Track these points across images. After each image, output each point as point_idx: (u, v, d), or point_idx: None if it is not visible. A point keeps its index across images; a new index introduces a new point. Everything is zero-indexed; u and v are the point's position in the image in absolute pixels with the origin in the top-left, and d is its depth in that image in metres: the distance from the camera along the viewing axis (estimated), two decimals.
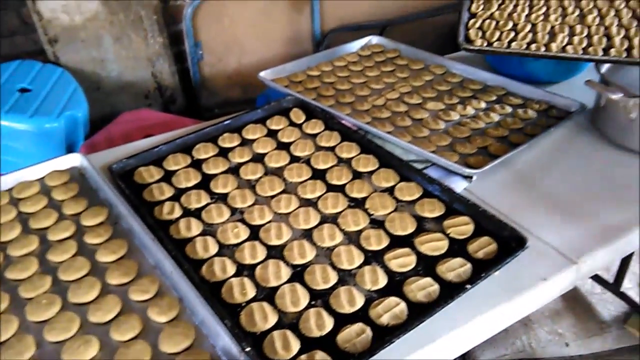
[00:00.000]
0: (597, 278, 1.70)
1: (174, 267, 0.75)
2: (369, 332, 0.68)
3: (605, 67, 1.08)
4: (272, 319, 0.70)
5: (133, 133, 1.30)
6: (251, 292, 0.74)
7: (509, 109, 1.16)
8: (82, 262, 0.80)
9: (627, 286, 1.73)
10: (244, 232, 0.85)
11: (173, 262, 0.76)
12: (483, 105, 1.19)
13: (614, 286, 1.68)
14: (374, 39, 1.52)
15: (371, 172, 0.98)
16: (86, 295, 0.74)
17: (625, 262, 1.64)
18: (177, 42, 1.79)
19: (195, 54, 1.74)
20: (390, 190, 0.93)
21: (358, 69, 1.37)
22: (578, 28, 1.17)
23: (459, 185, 0.94)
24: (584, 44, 1.11)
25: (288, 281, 0.76)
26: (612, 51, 1.07)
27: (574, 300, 1.70)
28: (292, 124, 1.14)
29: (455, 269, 0.76)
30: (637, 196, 0.91)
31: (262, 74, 1.29)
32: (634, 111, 0.96)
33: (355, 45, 1.49)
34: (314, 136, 1.10)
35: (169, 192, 0.95)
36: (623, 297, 1.67)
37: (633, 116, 0.97)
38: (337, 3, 1.90)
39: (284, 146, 1.07)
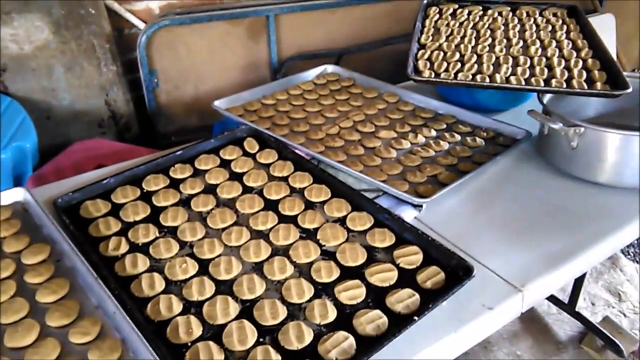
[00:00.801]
0: (552, 299, 1.74)
1: (117, 306, 0.73)
2: None
3: (547, 97, 1.12)
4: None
5: (84, 163, 1.27)
6: (197, 330, 0.73)
7: (458, 137, 1.19)
8: (21, 303, 0.76)
9: (582, 306, 1.78)
10: (192, 267, 0.84)
11: (116, 302, 0.73)
12: (433, 133, 1.21)
13: (569, 306, 1.72)
14: (330, 68, 1.54)
15: (323, 202, 0.98)
16: (24, 339, 0.71)
17: (578, 282, 1.69)
18: (132, 70, 1.77)
19: (151, 82, 1.72)
20: (342, 221, 0.94)
21: (313, 98, 1.38)
22: (521, 59, 1.22)
23: (409, 214, 0.95)
24: (527, 75, 1.15)
25: (237, 317, 0.75)
26: (553, 81, 1.11)
27: (531, 322, 1.73)
28: (245, 153, 1.14)
29: (404, 300, 0.76)
30: (580, 222, 0.94)
31: (217, 103, 1.29)
32: (575, 139, 1.00)
33: (311, 73, 1.51)
34: (267, 166, 1.09)
35: (115, 226, 0.92)
36: (578, 317, 1.71)
37: (574, 144, 1.01)
38: (294, 32, 1.93)
39: (236, 176, 1.06)
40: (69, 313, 0.74)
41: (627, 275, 1.95)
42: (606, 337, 1.64)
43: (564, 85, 1.10)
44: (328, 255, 0.86)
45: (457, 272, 0.80)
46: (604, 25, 2.21)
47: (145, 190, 1.02)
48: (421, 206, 0.96)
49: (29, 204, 0.97)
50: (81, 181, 1.04)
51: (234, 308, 0.76)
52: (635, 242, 2.08)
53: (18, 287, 0.80)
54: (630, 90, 1.04)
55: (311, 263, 0.85)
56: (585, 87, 1.09)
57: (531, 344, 1.63)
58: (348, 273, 0.82)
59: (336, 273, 0.82)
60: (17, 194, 0.99)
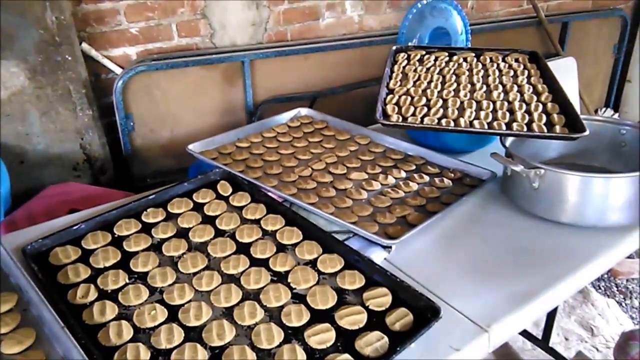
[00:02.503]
0: (526, 334, 1.75)
1: (83, 356, 0.72)
2: None
3: (509, 140, 1.17)
4: None
5: (57, 208, 1.26)
6: None
7: (426, 178, 1.22)
8: None
9: (556, 341, 1.79)
10: (161, 314, 0.83)
11: (82, 352, 0.72)
12: (403, 174, 1.25)
13: (542, 342, 1.74)
14: (303, 111, 1.58)
15: (295, 245, 0.99)
16: None
17: (551, 318, 1.71)
18: (108, 114, 1.79)
19: (127, 126, 1.74)
20: (312, 263, 0.95)
21: (286, 140, 1.41)
22: (484, 103, 1.27)
23: (379, 256, 0.97)
24: (490, 119, 1.20)
25: None
26: (515, 125, 1.16)
27: (506, 357, 1.74)
28: (218, 196, 1.15)
29: (372, 343, 0.77)
30: (544, 261, 0.96)
31: (191, 146, 1.31)
32: (536, 181, 1.04)
33: (285, 116, 1.54)
34: (240, 209, 1.11)
35: (85, 273, 0.92)
36: (552, 352, 1.72)
37: (536, 185, 1.05)
38: (269, 76, 1.98)
39: (209, 220, 1.07)
40: None
41: (598, 310, 1.98)
42: None
43: (525, 129, 1.15)
44: (299, 298, 0.87)
45: (425, 313, 0.82)
46: (566, 68, 2.31)
47: (116, 235, 1.02)
48: (390, 247, 0.98)
49: None
50: (53, 227, 1.04)
51: (203, 355, 0.76)
52: (605, 276, 2.13)
53: None
54: (587, 133, 1.09)
55: (282, 307, 0.85)
56: (545, 130, 1.14)
57: None
58: (318, 316, 0.83)
59: (306, 317, 0.83)
60: None
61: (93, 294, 0.87)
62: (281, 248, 0.99)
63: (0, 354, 0.76)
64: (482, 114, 1.22)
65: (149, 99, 1.77)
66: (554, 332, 1.70)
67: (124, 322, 0.81)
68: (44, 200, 1.34)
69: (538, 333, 1.74)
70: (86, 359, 0.71)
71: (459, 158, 1.28)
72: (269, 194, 1.14)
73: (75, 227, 1.02)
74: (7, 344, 0.76)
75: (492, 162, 1.18)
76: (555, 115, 1.20)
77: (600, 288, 2.09)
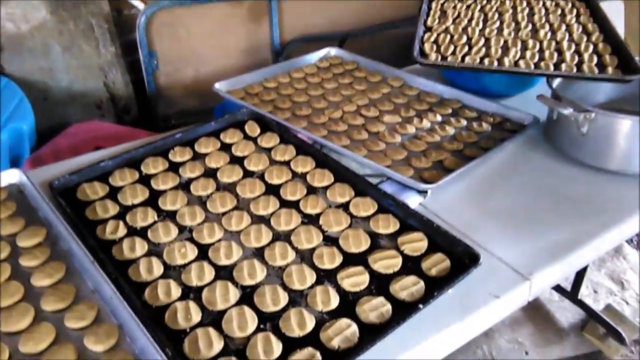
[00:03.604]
0: (555, 286, 1.72)
1: (114, 291, 0.71)
2: (318, 356, 0.65)
3: (556, 82, 1.09)
4: (217, 346, 0.67)
5: (82, 146, 1.25)
6: (196, 316, 0.71)
7: (464, 122, 1.16)
8: (16, 286, 0.75)
9: (584, 293, 1.76)
10: (191, 252, 0.82)
11: (113, 286, 0.72)
12: (439, 118, 1.19)
13: (571, 294, 1.71)
14: (333, 51, 1.51)
15: (326, 187, 0.96)
16: (18, 323, 0.69)
17: (581, 270, 1.67)
18: (131, 52, 1.74)
19: (150, 64, 1.69)
20: (345, 206, 0.91)
21: (316, 81, 1.35)
22: (530, 43, 1.19)
23: (414, 200, 0.93)
24: (536, 59, 1.12)
25: (237, 304, 0.73)
26: (563, 66, 1.09)
27: (533, 309, 1.72)
28: (246, 137, 1.12)
29: (408, 287, 0.74)
30: (589, 210, 0.91)
31: (217, 85, 1.26)
32: (585, 125, 0.98)
33: (314, 56, 1.48)
34: (268, 150, 1.07)
35: (113, 209, 0.90)
36: (580, 304, 1.69)
37: (584, 130, 0.98)
38: (296, 14, 1.89)
39: (237, 160, 1.04)
40: (65, 297, 0.73)
41: (630, 264, 1.94)
42: (608, 325, 1.63)
43: (574, 70, 1.07)
44: (330, 241, 0.84)
45: (463, 259, 0.78)
46: (613, 11, 2.16)
47: (143, 174, 1.00)
48: (426, 192, 0.94)
49: (25, 185, 0.95)
50: (78, 163, 1.02)
51: (234, 294, 0.74)
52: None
53: (13, 270, 0.78)
54: None
55: (313, 249, 0.82)
56: (597, 71, 1.06)
57: (532, 331, 1.62)
58: (351, 259, 0.80)
59: (339, 259, 0.80)
60: (12, 176, 0.97)
61: (122, 230, 0.85)
62: (312, 190, 0.96)
63: (31, 286, 0.75)
64: (528, 53, 1.14)
65: (173, 37, 1.71)
66: (582, 285, 1.67)
67: (154, 258, 0.79)
68: (69, 138, 1.32)
69: (566, 285, 1.71)
70: (117, 294, 0.70)
71: (499, 102, 1.21)
72: (299, 135, 1.10)
73: (102, 164, 1.00)
74: (37, 277, 0.76)
75: (534, 106, 1.12)
76: (607, 57, 1.11)
77: (632, 242, 2.04)
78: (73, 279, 0.76)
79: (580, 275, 1.66)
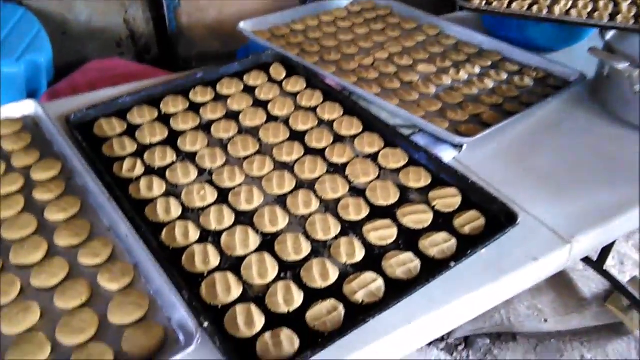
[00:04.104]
0: None
1: (130, 229, 0.68)
2: (341, 309, 0.62)
3: (610, 35, 1.00)
4: (236, 292, 0.64)
5: (100, 83, 1.20)
6: (214, 260, 0.68)
7: (504, 76, 1.08)
8: (29, 219, 0.72)
9: (610, 264, 1.71)
10: (211, 195, 0.78)
11: (129, 224, 0.68)
12: (477, 70, 1.11)
13: (597, 264, 1.66)
14: None
15: (354, 136, 0.90)
16: (30, 256, 0.66)
17: None
18: None
19: (172, 1, 1.61)
20: (373, 157, 0.86)
21: (346, 26, 1.27)
22: None
23: (447, 154, 0.87)
24: (589, 9, 1.03)
25: (256, 250, 0.70)
26: (619, 17, 0.99)
27: (555, 276, 1.67)
28: (271, 80, 1.06)
29: (438, 244, 0.70)
30: (637, 174, 0.85)
31: (242, 24, 1.19)
32: (638, 83, 0.90)
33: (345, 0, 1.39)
34: (294, 95, 1.01)
35: (131, 147, 0.86)
36: (606, 275, 1.64)
37: (637, 88, 0.90)
38: None
39: (261, 104, 0.98)
40: (79, 233, 0.70)
41: None
42: (633, 297, 1.58)
43: (632, 22, 0.97)
44: (357, 192, 0.80)
45: (499, 218, 0.73)
46: None
47: (163, 112, 0.95)
48: (461, 146, 0.88)
49: (40, 118, 0.91)
50: (95, 98, 0.98)
51: (254, 240, 0.71)
52: None
53: (26, 203, 0.75)
54: None
55: (338, 199, 0.78)
56: None
57: (553, 298, 1.58)
58: (378, 212, 0.76)
59: (365, 211, 0.76)
60: (28, 107, 0.93)
61: (140, 169, 0.82)
62: (338, 139, 0.90)
63: (44, 220, 0.72)
64: (580, 3, 1.05)
65: None
66: (609, 255, 1.61)
67: (172, 199, 0.76)
68: (88, 74, 1.28)
69: (592, 255, 1.65)
70: (133, 232, 0.67)
71: (542, 56, 1.12)
72: (327, 80, 1.03)
73: (120, 100, 0.95)
74: (51, 210, 0.73)
75: (579, 62, 1.03)
76: None
77: None
78: (88, 216, 0.73)
79: (608, 245, 1.60)
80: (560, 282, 1.65)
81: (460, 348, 1.48)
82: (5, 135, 0.87)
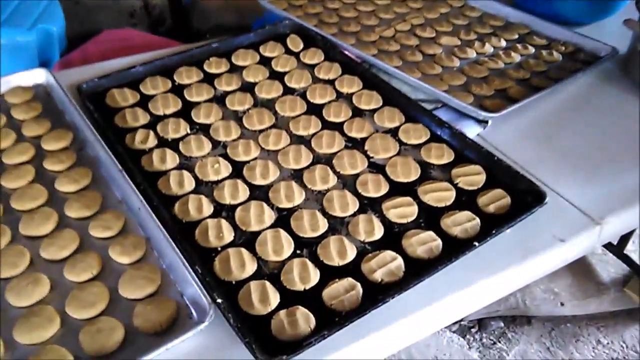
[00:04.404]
0: None
1: (142, 202, 0.66)
2: (359, 288, 0.59)
3: None
4: (250, 268, 0.62)
5: (112, 54, 1.17)
6: (229, 236, 0.65)
7: (531, 50, 1.04)
8: (39, 190, 0.70)
9: (630, 249, 1.66)
10: (225, 169, 0.75)
11: (141, 197, 0.66)
12: (503, 43, 1.06)
13: (616, 248, 1.61)
14: None
15: (373, 111, 0.87)
16: (40, 227, 0.65)
17: None
18: None
19: None
20: (393, 132, 0.83)
21: None
22: None
23: (471, 131, 0.83)
24: None
25: (272, 226, 0.67)
26: None
27: (573, 260, 1.64)
28: (288, 51, 1.02)
29: (461, 223, 0.67)
30: None
31: None
32: None
33: None
34: (311, 67, 0.98)
35: (143, 118, 0.84)
36: (626, 259, 1.60)
37: None
38: None
39: (277, 76, 0.95)
40: (90, 205, 0.68)
41: None
42: None
43: None
44: (376, 168, 0.77)
45: (525, 197, 0.70)
46: None
47: (176, 83, 0.93)
48: (486, 122, 0.84)
49: (52, 87, 0.89)
50: (108, 68, 0.95)
51: (269, 215, 0.68)
52: None
53: (36, 174, 0.73)
54: None
55: (357, 175, 0.75)
56: None
57: (570, 282, 1.55)
58: (398, 189, 0.73)
59: (385, 188, 0.73)
60: (39, 76, 0.91)
61: (152, 141, 0.79)
62: (358, 113, 0.87)
63: (55, 190, 0.71)
64: None
65: None
66: (629, 240, 1.57)
67: (185, 172, 0.73)
68: (101, 45, 1.25)
69: (612, 239, 1.61)
70: (146, 205, 0.65)
71: (572, 29, 1.07)
72: (346, 52, 0.99)
73: (133, 70, 0.93)
74: (62, 181, 0.71)
75: (610, 37, 0.98)
76: None
77: None
78: (99, 188, 0.72)
79: None
80: (578, 266, 1.61)
81: (473, 330, 1.46)
82: (16, 104, 0.85)
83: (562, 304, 1.50)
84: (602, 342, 1.43)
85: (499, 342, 1.43)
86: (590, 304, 1.51)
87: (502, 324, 1.47)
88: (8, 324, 0.55)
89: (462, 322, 1.47)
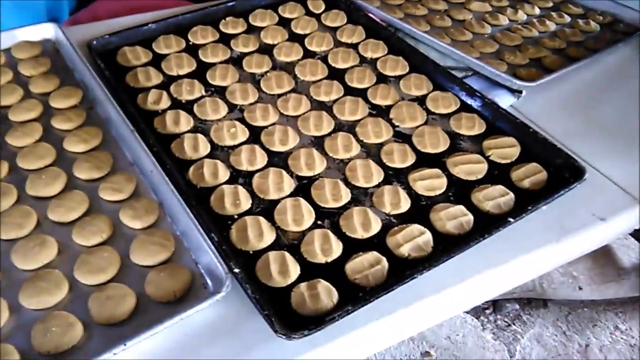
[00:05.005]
0: None
1: (155, 165, 0.62)
2: (384, 263, 0.55)
3: None
4: (269, 238, 0.58)
5: (123, 12, 1.12)
6: (246, 203, 0.61)
7: (567, 19, 0.98)
8: (47, 149, 0.66)
9: None
10: (242, 133, 0.71)
11: (154, 160, 0.62)
12: (537, 11, 1.00)
13: (638, 232, 1.56)
14: None
15: (399, 77, 0.82)
16: (47, 188, 0.61)
17: None
18: None
19: None
20: (421, 100, 0.78)
21: None
22: None
23: (503, 101, 0.78)
24: None
25: (291, 195, 0.63)
26: None
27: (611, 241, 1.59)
28: (308, 13, 0.97)
29: (494, 197, 0.62)
30: None
31: None
32: None
33: None
34: (333, 30, 0.92)
35: (156, 78, 0.79)
36: None
37: None
38: None
39: (297, 38, 0.90)
40: (100, 166, 0.64)
41: None
42: None
43: None
44: (402, 137, 0.72)
45: (563, 173, 0.65)
46: None
47: (191, 43, 0.88)
48: (521, 92, 0.79)
49: (61, 43, 0.84)
50: (119, 25, 0.90)
51: (289, 184, 0.64)
52: None
53: (44, 132, 0.69)
54: None
55: (381, 144, 0.71)
56: None
57: (590, 266, 1.51)
58: (425, 160, 0.68)
59: (411, 158, 0.68)
60: (47, 30, 0.86)
61: (166, 102, 0.75)
62: (382, 79, 0.82)
63: (63, 150, 0.67)
64: None
65: None
66: None
67: (200, 135, 0.69)
68: (110, 3, 1.19)
69: None
70: (159, 168, 0.61)
71: None
72: (370, 15, 0.94)
73: (145, 27, 0.88)
74: (71, 141, 0.67)
75: None
76: None
77: None
78: (110, 148, 0.68)
79: None
80: (598, 250, 1.56)
81: (487, 311, 1.43)
82: (23, 59, 0.81)
83: (580, 288, 1.46)
84: (620, 328, 1.40)
85: (514, 324, 1.40)
86: (609, 289, 1.47)
87: (517, 306, 1.44)
88: (13, 288, 0.52)
89: None
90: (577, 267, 1.49)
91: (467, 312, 1.42)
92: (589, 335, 1.39)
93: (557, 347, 1.37)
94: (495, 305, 1.44)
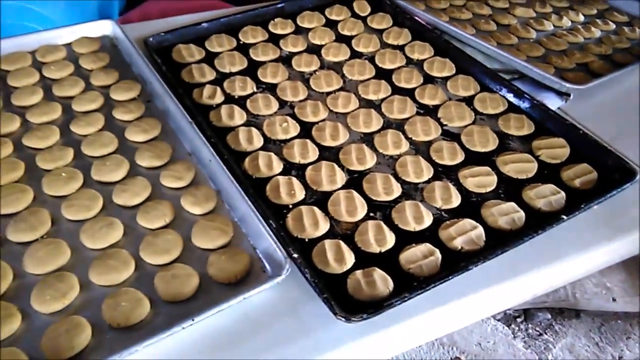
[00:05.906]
0: None
1: (213, 155, 0.64)
2: (438, 254, 0.56)
3: None
4: (324, 227, 0.59)
5: (172, 13, 1.16)
6: (300, 194, 0.63)
7: (612, 26, 0.98)
8: (109, 138, 0.69)
9: None
10: (293, 128, 0.73)
11: (212, 150, 0.65)
12: (581, 18, 1.01)
13: None
14: None
15: (446, 78, 0.83)
16: (112, 174, 0.64)
17: None
18: None
19: None
20: (468, 101, 0.79)
21: None
22: None
23: (551, 104, 0.79)
24: None
25: (343, 187, 0.65)
26: None
27: None
28: (354, 15, 0.99)
29: (545, 195, 0.63)
30: None
31: None
32: None
33: None
34: (379, 32, 0.94)
35: (210, 75, 0.82)
36: None
37: None
38: None
39: (343, 39, 0.92)
40: (161, 155, 0.67)
41: None
42: None
43: None
44: (450, 136, 0.73)
45: (613, 174, 0.66)
46: None
47: (241, 42, 0.91)
48: (569, 95, 0.79)
49: (119, 39, 0.88)
50: (172, 24, 0.93)
51: (341, 177, 0.66)
52: None
53: (106, 122, 0.72)
54: None
55: (430, 142, 0.72)
56: None
57: (624, 278, 1.49)
58: (474, 159, 0.69)
59: (461, 156, 0.70)
60: (105, 27, 0.90)
61: (220, 97, 0.78)
62: (429, 80, 0.83)
63: (125, 139, 0.70)
64: None
65: None
66: None
67: (253, 129, 0.72)
68: (161, 3, 1.24)
69: None
70: (217, 158, 0.63)
71: None
72: (416, 18, 0.96)
73: (198, 26, 0.91)
74: (132, 131, 0.70)
75: None
76: None
77: None
78: (168, 139, 0.70)
79: None
80: (633, 261, 1.54)
81: (518, 320, 1.42)
82: (83, 53, 0.85)
83: (614, 300, 1.44)
84: None
85: (545, 333, 1.39)
86: None
87: (549, 316, 1.43)
88: (83, 265, 0.54)
89: (507, 311, 1.43)
90: (611, 278, 1.47)
91: (498, 320, 1.41)
92: (622, 347, 1.36)
93: (589, 358, 1.35)
94: (527, 314, 1.43)
